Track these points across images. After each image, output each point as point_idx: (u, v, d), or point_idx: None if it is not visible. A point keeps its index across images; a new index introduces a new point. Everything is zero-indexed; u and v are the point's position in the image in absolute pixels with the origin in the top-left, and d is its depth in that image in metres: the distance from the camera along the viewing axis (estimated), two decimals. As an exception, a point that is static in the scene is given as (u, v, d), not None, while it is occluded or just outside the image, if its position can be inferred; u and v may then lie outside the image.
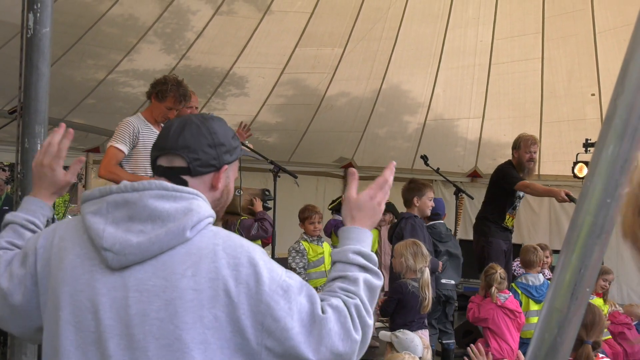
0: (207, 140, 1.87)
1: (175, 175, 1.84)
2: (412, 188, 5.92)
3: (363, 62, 8.78)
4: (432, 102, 9.43)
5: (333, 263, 1.90)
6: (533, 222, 9.96)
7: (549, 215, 9.89)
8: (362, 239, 1.89)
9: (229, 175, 1.94)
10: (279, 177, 5.68)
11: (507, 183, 6.70)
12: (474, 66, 8.87)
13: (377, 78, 9.08)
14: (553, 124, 9.23)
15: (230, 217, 5.92)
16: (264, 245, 6.23)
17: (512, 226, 7.12)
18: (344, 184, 10.35)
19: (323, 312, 1.73)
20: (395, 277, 5.26)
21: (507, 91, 9.12)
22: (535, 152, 6.81)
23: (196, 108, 5.87)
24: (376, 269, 1.87)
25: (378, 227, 8.02)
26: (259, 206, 5.95)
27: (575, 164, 7.97)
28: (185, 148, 1.85)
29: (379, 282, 1.85)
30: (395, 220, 7.51)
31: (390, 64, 8.87)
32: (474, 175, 10.40)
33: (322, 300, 1.77)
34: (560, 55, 8.44)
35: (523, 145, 6.82)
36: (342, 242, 1.91)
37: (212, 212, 1.79)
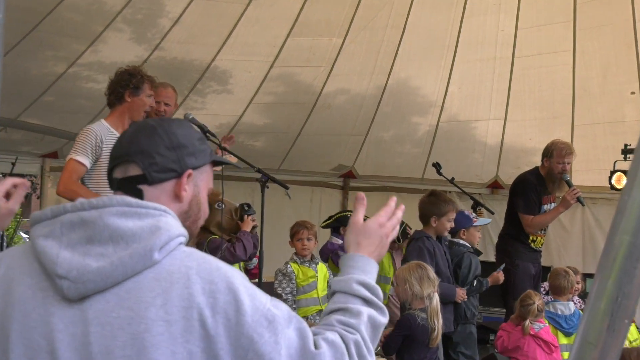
0: (164, 142, 1.88)
1: (131, 186, 1.85)
2: (432, 202, 6.02)
3: (366, 55, 8.85)
4: (445, 100, 9.51)
5: (332, 293, 1.91)
6: (563, 240, 10.03)
7: (582, 233, 9.99)
8: (368, 270, 1.92)
9: (198, 183, 1.93)
10: (268, 187, 5.70)
11: (518, 207, 6.94)
12: (495, 59, 8.95)
13: (382, 73, 9.14)
14: (586, 127, 9.32)
15: (200, 233, 5.91)
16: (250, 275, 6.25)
17: (541, 246, 7.23)
18: (344, 195, 10.45)
19: (316, 347, 1.74)
20: (404, 310, 5.32)
21: (532, 89, 9.21)
22: (569, 164, 6.96)
23: (176, 104, 5.93)
24: (382, 304, 1.91)
25: (390, 251, 8.02)
26: (247, 225, 5.96)
27: (612, 173, 8.12)
28: (139, 153, 1.87)
29: (383, 319, 1.88)
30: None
31: (397, 56, 8.94)
32: (495, 185, 10.51)
33: (315, 334, 1.78)
34: (595, 47, 8.51)
35: (556, 155, 6.95)
36: (344, 270, 1.93)
37: (183, 231, 1.79)
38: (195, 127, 2.02)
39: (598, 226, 9.87)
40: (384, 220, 2.01)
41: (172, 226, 1.75)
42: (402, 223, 7.48)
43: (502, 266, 6.64)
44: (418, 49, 8.87)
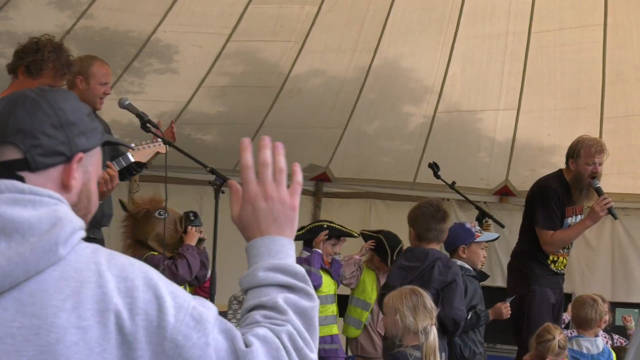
0: (50, 118, 1.88)
1: (8, 172, 1.83)
2: (444, 221, 6.10)
3: (346, 27, 8.89)
4: (444, 86, 9.56)
5: (245, 293, 1.95)
6: (588, 261, 10.07)
7: (612, 252, 10.01)
8: (277, 250, 1.93)
9: (88, 169, 1.96)
10: (223, 192, 5.63)
11: (537, 220, 7.03)
12: (507, 35, 9.00)
13: (365, 50, 9.18)
14: (619, 120, 9.33)
15: (135, 248, 5.95)
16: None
17: (564, 268, 7.30)
18: (315, 203, 10.55)
19: (247, 345, 1.79)
20: (388, 346, 5.23)
21: (553, 72, 9.24)
22: (601, 165, 7.01)
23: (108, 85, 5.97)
24: (303, 285, 1.91)
25: (376, 271, 8.10)
26: (191, 237, 5.96)
27: None
28: (19, 132, 1.85)
29: (309, 302, 1.90)
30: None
31: (385, 30, 8.97)
32: (504, 192, 10.52)
33: (244, 333, 1.83)
34: (632, 21, 8.56)
35: (584, 154, 7.01)
36: (249, 262, 1.95)
37: (82, 223, 1.83)
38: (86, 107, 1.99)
39: (631, 243, 9.94)
40: (265, 187, 1.98)
41: (73, 217, 1.78)
42: (399, 242, 7.81)
43: (512, 297, 6.64)
44: (411, 22, 8.90)
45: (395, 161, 10.22)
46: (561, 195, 7.08)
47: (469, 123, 10.02)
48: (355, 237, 8.07)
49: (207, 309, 1.80)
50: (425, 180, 9.30)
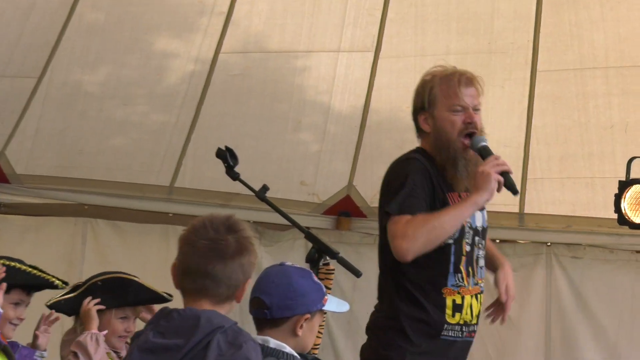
0: None
1: None
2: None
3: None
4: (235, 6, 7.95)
5: None
6: (506, 337, 8.10)
7: (545, 315, 7.99)
8: None
9: None
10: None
11: (389, 206, 5.55)
12: None
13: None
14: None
15: None
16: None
17: (475, 320, 5.66)
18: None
19: None
20: None
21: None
22: (477, 109, 5.62)
23: None
24: None
25: None
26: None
27: (622, 189, 6.80)
28: None
29: None
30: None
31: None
32: (345, 209, 8.44)
33: None
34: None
35: (442, 95, 5.69)
36: None
37: None
38: None
39: (580, 305, 7.81)
40: None
41: None
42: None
43: None
44: None
45: (132, 148, 8.24)
46: (433, 174, 5.61)
47: (282, 74, 8.15)
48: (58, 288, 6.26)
49: None
50: (194, 185, 7.85)
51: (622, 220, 6.77)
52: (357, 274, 5.25)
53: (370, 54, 7.87)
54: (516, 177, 7.44)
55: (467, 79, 5.53)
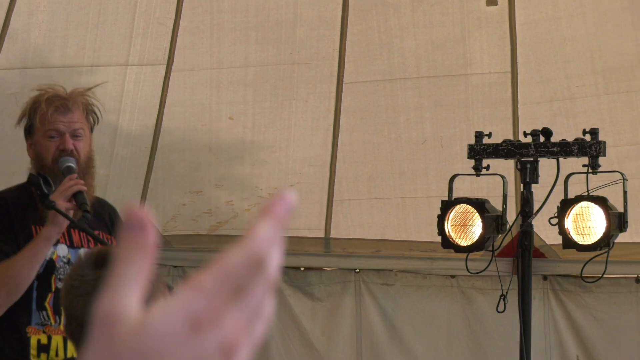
0: None
1: None
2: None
3: None
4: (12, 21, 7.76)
5: None
6: None
7: (356, 341, 7.65)
8: None
9: None
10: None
11: None
12: None
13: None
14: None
15: None
16: None
17: None
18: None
19: None
20: None
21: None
22: (78, 136, 5.64)
23: None
24: None
25: None
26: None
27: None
28: None
29: None
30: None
31: None
32: None
33: None
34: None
35: (40, 121, 5.66)
36: None
37: None
38: None
39: (393, 335, 7.38)
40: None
41: None
42: None
43: None
44: None
45: None
46: (22, 206, 5.55)
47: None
48: None
49: None
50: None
51: (447, 243, 6.47)
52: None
53: (162, 67, 7.56)
54: (322, 199, 7.40)
55: (63, 106, 5.47)
